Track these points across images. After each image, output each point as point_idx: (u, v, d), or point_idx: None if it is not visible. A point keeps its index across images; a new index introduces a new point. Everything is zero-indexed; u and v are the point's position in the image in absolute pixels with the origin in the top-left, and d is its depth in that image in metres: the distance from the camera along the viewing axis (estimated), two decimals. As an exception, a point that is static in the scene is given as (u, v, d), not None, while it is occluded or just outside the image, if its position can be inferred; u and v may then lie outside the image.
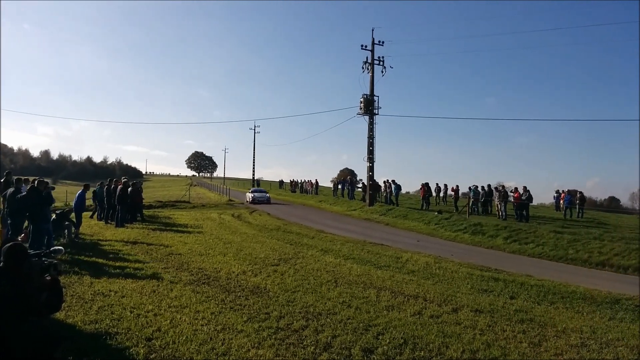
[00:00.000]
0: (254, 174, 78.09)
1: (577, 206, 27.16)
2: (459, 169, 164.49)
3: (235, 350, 5.31)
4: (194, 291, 7.94)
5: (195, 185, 76.86)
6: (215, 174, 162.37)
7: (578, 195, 27.93)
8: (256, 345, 5.49)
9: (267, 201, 37.90)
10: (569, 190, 29.15)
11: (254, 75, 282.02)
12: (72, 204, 16.81)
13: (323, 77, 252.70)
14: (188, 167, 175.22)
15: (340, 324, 6.42)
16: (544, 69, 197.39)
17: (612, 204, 72.51)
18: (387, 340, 5.78)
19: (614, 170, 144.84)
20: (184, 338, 5.61)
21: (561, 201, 28.78)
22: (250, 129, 76.87)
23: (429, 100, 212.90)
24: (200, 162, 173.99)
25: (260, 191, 41.47)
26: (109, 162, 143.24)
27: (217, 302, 7.28)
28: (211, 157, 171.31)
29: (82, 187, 16.87)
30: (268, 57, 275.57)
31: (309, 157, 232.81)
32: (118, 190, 18.59)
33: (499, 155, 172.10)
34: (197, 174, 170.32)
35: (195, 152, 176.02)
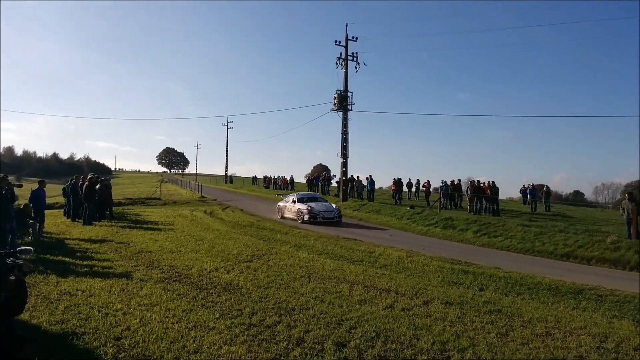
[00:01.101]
0: (226, 170, 77.58)
1: (543, 200, 27.91)
2: (432, 164, 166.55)
3: (207, 347, 5.27)
4: (165, 289, 7.84)
5: (166, 181, 75.73)
6: (187, 171, 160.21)
7: (544, 189, 28.71)
8: (228, 342, 5.46)
9: (338, 219, 22.14)
10: (534, 185, 29.90)
11: (227, 70, 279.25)
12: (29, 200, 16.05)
13: (298, 72, 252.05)
14: (159, 163, 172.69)
15: (313, 318, 6.44)
16: (515, 65, 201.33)
17: (577, 197, 74.74)
18: (360, 334, 5.83)
19: (579, 165, 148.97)
20: (154, 336, 5.53)
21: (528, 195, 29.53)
22: (223, 124, 76.05)
23: (403, 96, 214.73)
24: (172, 158, 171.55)
25: (316, 199, 24.34)
26: (76, 159, 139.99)
27: (188, 300, 7.21)
28: (183, 154, 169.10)
29: (37, 184, 16.02)
30: (242, 52, 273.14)
31: (282, 153, 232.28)
32: (84, 187, 18.17)
33: (471, 151, 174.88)
34: (168, 171, 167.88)
35: (167, 148, 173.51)
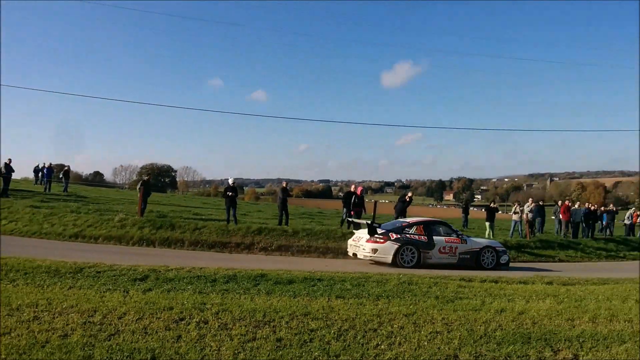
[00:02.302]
0: None
1: (63, 180, 27.22)
2: None
3: None
4: None
5: None
6: None
7: (65, 168, 28.10)
8: None
9: None
10: (51, 164, 28.76)
11: None
12: None
13: None
14: None
15: None
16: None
17: (96, 178, 76.93)
18: None
19: (98, 147, 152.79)
20: None
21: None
22: None
23: None
24: None
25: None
26: None
27: None
28: None
29: None
30: None
31: None
32: None
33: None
34: None
35: None
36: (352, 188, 18.91)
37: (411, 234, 14.38)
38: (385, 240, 13.89)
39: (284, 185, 18.93)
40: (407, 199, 19.24)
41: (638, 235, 27.67)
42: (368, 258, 13.96)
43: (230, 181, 18.72)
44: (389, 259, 13.76)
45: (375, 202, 19.94)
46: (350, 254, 14.61)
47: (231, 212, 17.60)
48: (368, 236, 13.94)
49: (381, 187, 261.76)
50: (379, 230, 14.13)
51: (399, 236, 14.10)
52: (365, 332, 5.90)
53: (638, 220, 28.38)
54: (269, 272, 10.23)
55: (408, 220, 15.74)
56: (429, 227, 14.84)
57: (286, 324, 6.35)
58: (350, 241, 14.96)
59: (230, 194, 17.70)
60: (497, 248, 15.26)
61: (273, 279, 9.47)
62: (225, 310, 6.81)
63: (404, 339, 5.62)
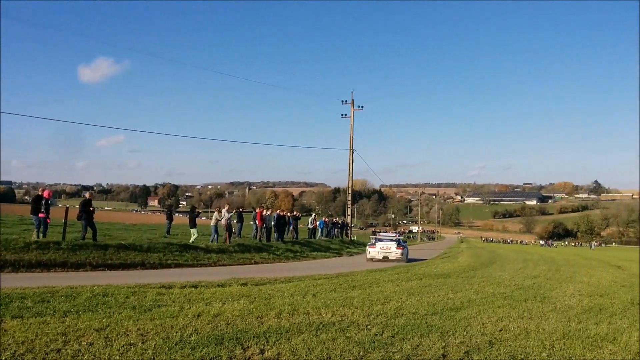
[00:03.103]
0: None
1: None
2: None
3: None
4: None
5: None
6: None
7: None
8: None
9: None
10: None
11: None
12: None
13: None
14: None
15: None
16: None
17: None
18: None
19: None
20: None
21: None
22: None
23: None
24: None
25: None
26: None
27: None
28: None
29: None
30: None
31: None
32: None
33: None
34: None
35: None
36: (40, 191, 16.75)
37: (403, 242, 26.84)
38: (404, 247, 24.60)
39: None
40: (92, 209, 16.94)
41: (317, 237, 32.58)
42: (398, 258, 23.02)
43: None
44: (406, 258, 23.88)
45: (67, 208, 17.80)
46: (380, 257, 23.17)
47: None
48: (396, 245, 23.80)
49: (78, 191, 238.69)
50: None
51: (404, 244, 25.73)
52: (47, 353, 5.20)
53: (317, 225, 33.40)
54: None
55: (393, 234, 30.44)
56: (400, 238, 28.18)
57: (-64, 358, 5.12)
58: (376, 249, 23.65)
59: None
60: (408, 247, 27.09)
61: None
62: None
63: (92, 357, 5.17)
